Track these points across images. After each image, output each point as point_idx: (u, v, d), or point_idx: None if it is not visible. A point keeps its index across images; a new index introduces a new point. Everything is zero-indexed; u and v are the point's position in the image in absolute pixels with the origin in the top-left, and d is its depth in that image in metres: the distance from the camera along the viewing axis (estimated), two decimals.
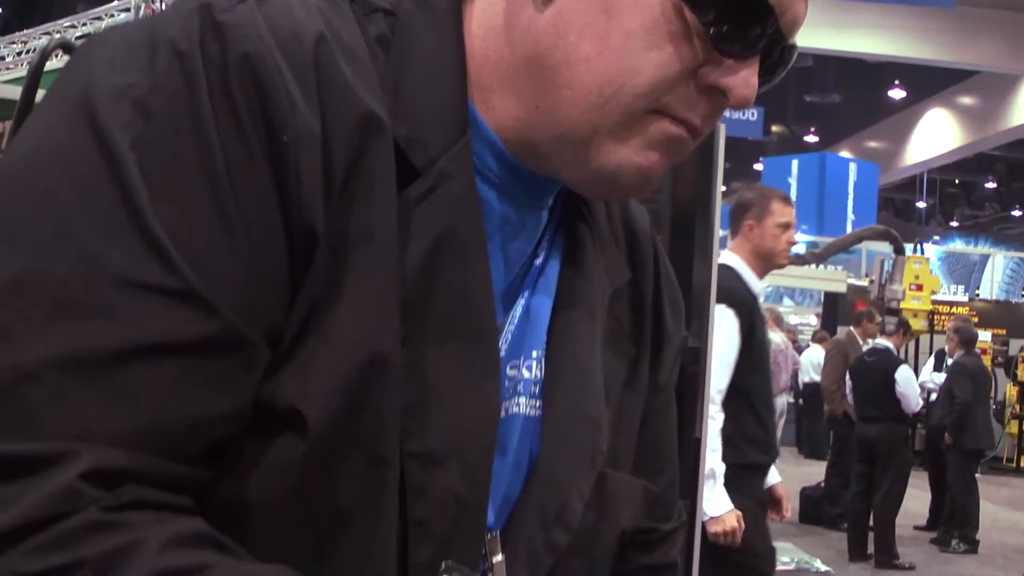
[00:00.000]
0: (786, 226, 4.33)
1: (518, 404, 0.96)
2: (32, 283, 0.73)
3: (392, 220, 0.85)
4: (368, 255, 0.83)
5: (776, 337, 11.71)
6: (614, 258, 1.07)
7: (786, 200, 4.42)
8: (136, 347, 0.74)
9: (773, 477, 4.42)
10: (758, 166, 24.28)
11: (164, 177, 0.76)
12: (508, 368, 0.96)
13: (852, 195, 20.21)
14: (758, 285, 4.35)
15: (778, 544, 5.43)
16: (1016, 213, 30.26)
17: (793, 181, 20.27)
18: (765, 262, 4.35)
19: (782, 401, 12.00)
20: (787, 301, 20.68)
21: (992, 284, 24.41)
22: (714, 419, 4.12)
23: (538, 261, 1.00)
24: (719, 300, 4.06)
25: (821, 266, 14.66)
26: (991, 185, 29.28)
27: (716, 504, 4.01)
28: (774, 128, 25.34)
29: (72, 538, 0.69)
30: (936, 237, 27.83)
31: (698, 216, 2.82)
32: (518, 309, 0.98)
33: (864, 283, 15.42)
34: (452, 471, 0.87)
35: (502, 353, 0.94)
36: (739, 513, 4.02)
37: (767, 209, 4.31)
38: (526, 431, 0.96)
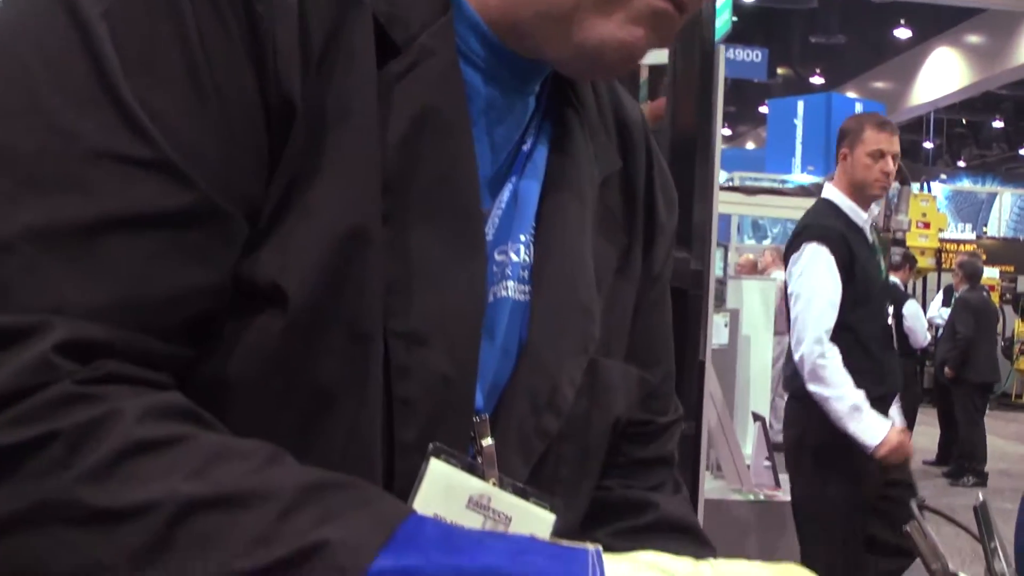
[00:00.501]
0: (880, 154, 4.17)
1: (506, 288, 0.95)
2: (4, 156, 0.72)
3: (372, 95, 0.84)
4: (347, 130, 0.82)
5: (782, 275, 11.68)
6: (604, 146, 1.06)
7: (882, 126, 4.24)
8: (111, 219, 0.73)
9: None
10: (763, 109, 24.14)
11: (137, 48, 0.75)
12: (496, 253, 0.95)
13: None
14: (861, 216, 4.22)
15: (785, 475, 5.43)
16: (1023, 152, 30.09)
17: (799, 123, 20.14)
18: (861, 193, 4.22)
19: (788, 341, 11.99)
20: None
21: (1000, 222, 24.33)
22: (825, 357, 4.09)
23: (525, 147, 0.99)
24: (810, 238, 4.16)
25: None
26: (998, 124, 29.08)
27: (872, 431, 4.03)
28: (779, 71, 25.16)
29: (46, 410, 0.69)
30: (943, 176, 27.69)
31: (699, 142, 2.80)
32: (505, 194, 0.97)
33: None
34: (438, 351, 0.86)
35: (489, 238, 0.93)
36: (899, 427, 4.07)
37: (860, 137, 4.19)
38: (515, 316, 0.95)
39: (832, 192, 4.28)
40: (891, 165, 4.20)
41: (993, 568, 1.33)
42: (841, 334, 4.14)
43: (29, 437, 0.68)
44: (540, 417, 0.95)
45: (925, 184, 16.72)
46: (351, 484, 0.72)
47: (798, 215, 4.76)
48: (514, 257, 0.95)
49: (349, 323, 0.82)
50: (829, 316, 4.12)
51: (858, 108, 20.72)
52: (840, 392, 4.12)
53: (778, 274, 11.65)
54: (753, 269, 12.18)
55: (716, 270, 8.99)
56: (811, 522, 4.36)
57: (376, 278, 0.83)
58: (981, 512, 1.38)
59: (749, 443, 6.48)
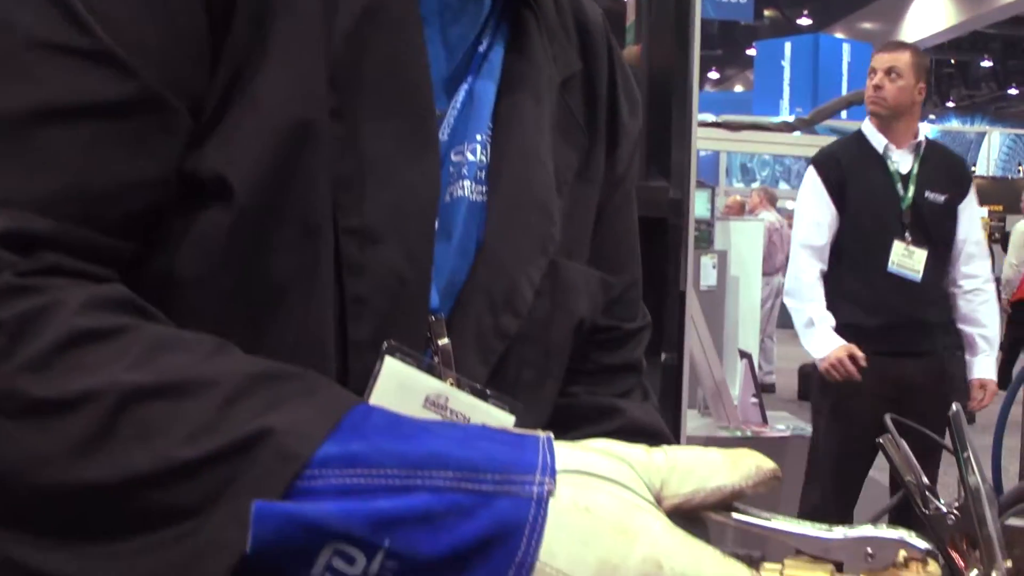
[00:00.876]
0: (872, 72, 4.32)
1: (463, 188, 0.93)
2: None
3: None
4: (292, 21, 0.81)
5: (771, 216, 11.69)
6: (563, 48, 1.04)
7: (882, 48, 4.47)
8: (51, 109, 0.72)
9: (979, 370, 4.31)
10: (751, 51, 24.02)
11: None
12: (452, 154, 0.93)
13: (846, 76, 20.01)
14: (879, 140, 4.27)
15: (773, 414, 5.45)
16: (1013, 91, 30.01)
17: (787, 64, 20.07)
18: (872, 116, 4.34)
19: (778, 281, 12.00)
20: (783, 185, 20.60)
21: (989, 162, 24.32)
22: (801, 271, 4.25)
23: (481, 48, 0.97)
24: (810, 162, 4.38)
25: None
26: (987, 64, 28.99)
27: (818, 345, 4.14)
28: (766, 12, 25.01)
29: None
30: (932, 116, 27.63)
31: (676, 66, 2.77)
32: (461, 95, 0.95)
33: None
34: (391, 248, 0.85)
35: (444, 138, 0.92)
36: (851, 348, 4.07)
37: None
38: (472, 215, 0.93)
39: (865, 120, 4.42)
40: (877, 78, 4.27)
41: (967, 480, 1.32)
42: (835, 257, 4.24)
43: None
44: (498, 317, 0.93)
45: None
46: (298, 374, 0.71)
47: (783, 151, 4.82)
48: (470, 157, 0.94)
49: (298, 217, 0.80)
50: (812, 235, 4.24)
51: (846, 49, 20.64)
52: (801, 306, 4.26)
53: (766, 215, 11.67)
54: (741, 211, 12.16)
55: (703, 211, 9.04)
56: (809, 458, 4.44)
57: (325, 173, 0.82)
58: (954, 422, 1.37)
59: (737, 384, 6.50)
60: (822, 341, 4.16)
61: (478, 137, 0.94)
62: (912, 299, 4.16)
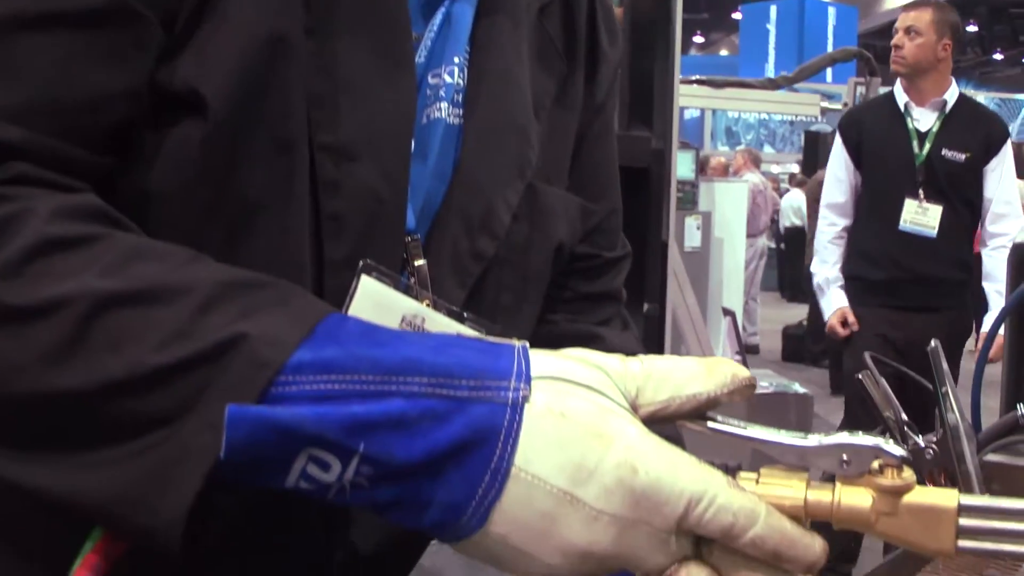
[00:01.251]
0: (894, 31, 4.39)
1: (440, 110, 0.92)
2: None
3: None
4: None
5: (755, 178, 11.69)
6: None
7: (906, 6, 4.50)
8: (23, 18, 0.72)
9: (987, 323, 4.35)
10: (736, 15, 23.95)
11: None
12: (429, 76, 0.92)
13: (831, 40, 19.98)
14: (901, 97, 4.36)
15: (756, 371, 5.48)
16: (998, 56, 30.00)
17: (772, 27, 20.04)
18: (895, 74, 4.42)
19: (762, 243, 12.04)
20: (767, 148, 20.59)
21: None
22: (821, 231, 4.44)
23: None
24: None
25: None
26: (972, 28, 28.96)
27: (826, 308, 4.41)
28: None
29: None
30: None
31: (658, 23, 2.76)
32: (438, 17, 0.94)
33: (838, 106, 15.32)
34: (367, 166, 0.84)
35: (421, 60, 0.91)
36: (845, 312, 4.30)
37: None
38: (448, 138, 0.93)
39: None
40: (897, 37, 4.34)
41: (945, 416, 1.33)
42: (857, 214, 4.39)
43: None
44: (475, 239, 0.93)
45: None
46: (272, 283, 0.70)
47: (761, 106, 4.97)
48: (447, 79, 0.93)
49: (272, 133, 0.80)
50: (834, 192, 4.43)
51: (831, 13, 20.62)
52: (816, 268, 4.50)
53: (750, 176, 11.67)
54: (725, 172, 12.16)
55: (687, 172, 9.04)
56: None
57: (299, 89, 0.81)
58: (933, 357, 1.37)
59: (721, 341, 6.53)
60: (828, 304, 4.39)
61: (455, 60, 0.93)
62: (924, 256, 4.24)
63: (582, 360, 0.69)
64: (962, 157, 4.28)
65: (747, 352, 5.54)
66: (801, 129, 17.61)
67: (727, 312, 5.90)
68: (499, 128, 0.95)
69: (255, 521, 0.84)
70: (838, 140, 4.47)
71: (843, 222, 4.41)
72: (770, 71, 18.34)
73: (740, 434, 0.69)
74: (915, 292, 4.27)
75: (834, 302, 4.37)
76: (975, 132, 4.35)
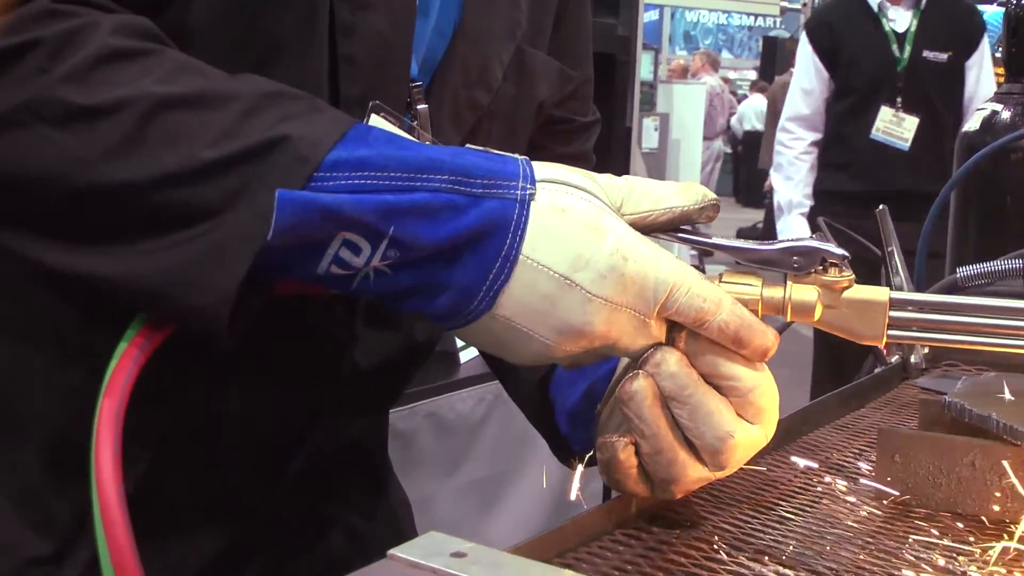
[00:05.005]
0: None
1: None
2: None
3: None
4: None
5: (712, 80, 11.78)
6: None
7: None
8: None
9: None
10: None
11: None
12: None
13: None
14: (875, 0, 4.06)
15: (711, 267, 5.62)
16: None
17: None
18: None
19: (717, 146, 12.15)
20: (725, 54, 20.62)
21: None
22: (783, 145, 4.14)
23: None
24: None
25: None
26: None
27: (786, 231, 4.11)
28: None
29: (28, 22, 0.77)
30: None
31: None
32: None
33: (798, 6, 15.27)
34: (378, 15, 0.94)
35: None
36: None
37: None
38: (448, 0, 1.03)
39: None
40: None
41: (891, 277, 1.46)
42: (828, 126, 4.15)
43: (14, 44, 0.76)
44: (472, 91, 1.04)
45: None
46: (307, 96, 0.81)
47: (721, 4, 4.77)
48: None
49: None
50: (799, 104, 4.16)
51: None
52: (779, 186, 4.25)
53: (708, 79, 11.74)
54: (684, 74, 12.22)
55: (646, 74, 9.08)
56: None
57: None
58: (880, 219, 1.50)
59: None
60: (785, 230, 4.15)
61: None
62: (898, 167, 4.00)
63: (577, 170, 0.81)
64: (944, 57, 4.04)
65: (703, 255, 5.65)
66: (759, 35, 17.63)
67: None
68: None
69: (278, 337, 0.95)
70: (806, 46, 4.15)
71: (810, 136, 4.16)
72: None
73: (708, 241, 0.81)
74: (890, 205, 4.18)
75: (793, 230, 4.12)
76: (953, 27, 4.10)
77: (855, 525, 0.90)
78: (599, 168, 1.37)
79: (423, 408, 2.44)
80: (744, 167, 15.74)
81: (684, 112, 9.72)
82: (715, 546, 0.83)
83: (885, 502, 0.94)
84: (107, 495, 0.72)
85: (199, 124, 0.77)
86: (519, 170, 0.78)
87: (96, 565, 0.98)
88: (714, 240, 0.81)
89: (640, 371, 0.79)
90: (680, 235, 0.82)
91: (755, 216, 11.42)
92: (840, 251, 0.78)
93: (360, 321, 1.01)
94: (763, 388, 0.80)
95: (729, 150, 14.82)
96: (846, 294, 0.79)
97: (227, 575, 1.02)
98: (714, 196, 0.82)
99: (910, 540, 0.86)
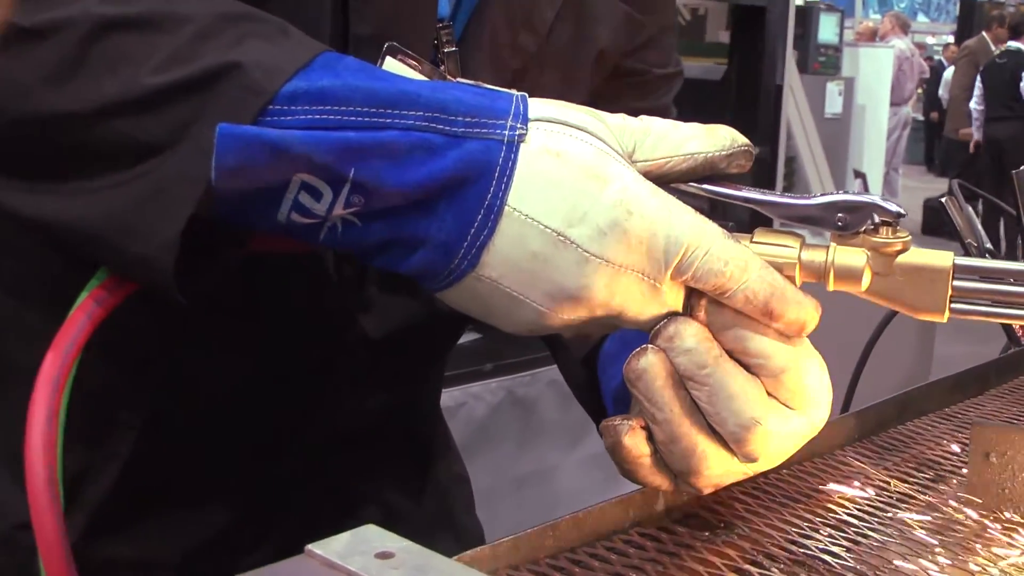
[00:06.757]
0: None
1: None
2: None
3: None
4: None
5: (901, 44, 11.26)
6: None
7: None
8: None
9: None
10: None
11: None
12: None
13: None
14: None
15: None
16: None
17: None
18: None
19: (906, 112, 11.64)
20: (921, 17, 19.75)
21: None
22: None
23: None
24: None
25: None
26: None
27: None
28: None
29: None
30: None
31: None
32: None
33: None
34: None
35: None
36: None
37: None
38: None
39: None
40: None
41: None
42: None
43: None
44: (516, 33, 0.92)
45: None
46: (276, 21, 0.70)
47: None
48: None
49: None
50: None
51: None
52: None
53: (897, 42, 11.24)
54: (872, 37, 11.73)
55: (831, 36, 8.75)
56: None
57: None
58: (1018, 180, 1.33)
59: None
60: None
61: None
62: None
63: (583, 108, 0.69)
64: None
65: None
66: None
67: (858, 174, 5.74)
68: None
69: (276, 301, 0.86)
70: None
71: None
72: None
73: (736, 194, 0.68)
74: None
75: None
76: None
77: (930, 538, 0.76)
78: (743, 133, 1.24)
79: (545, 375, 2.34)
80: (941, 136, 15.09)
81: (870, 77, 9.35)
82: (747, 554, 0.71)
83: (975, 512, 0.79)
84: (33, 453, 0.68)
85: (145, 48, 0.67)
86: (510, 107, 0.66)
87: (94, 531, 0.93)
88: (744, 193, 0.68)
89: (650, 345, 0.66)
90: (704, 187, 0.69)
91: (945, 185, 10.90)
92: (895, 207, 0.64)
93: (373, 285, 0.91)
94: (801, 367, 0.67)
95: (921, 117, 14.20)
96: (900, 259, 0.65)
97: (237, 546, 0.94)
98: (746, 141, 0.69)
99: (1000, 561, 0.72)
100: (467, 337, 2.35)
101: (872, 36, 11.77)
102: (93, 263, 0.72)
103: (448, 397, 2.40)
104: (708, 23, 6.27)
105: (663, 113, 1.12)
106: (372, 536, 0.57)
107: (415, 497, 1.07)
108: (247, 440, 0.92)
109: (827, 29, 8.54)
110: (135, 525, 0.93)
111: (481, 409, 2.39)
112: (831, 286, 0.66)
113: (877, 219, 0.65)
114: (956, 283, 0.64)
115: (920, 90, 13.66)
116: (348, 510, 0.99)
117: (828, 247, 0.66)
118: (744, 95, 1.35)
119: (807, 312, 0.66)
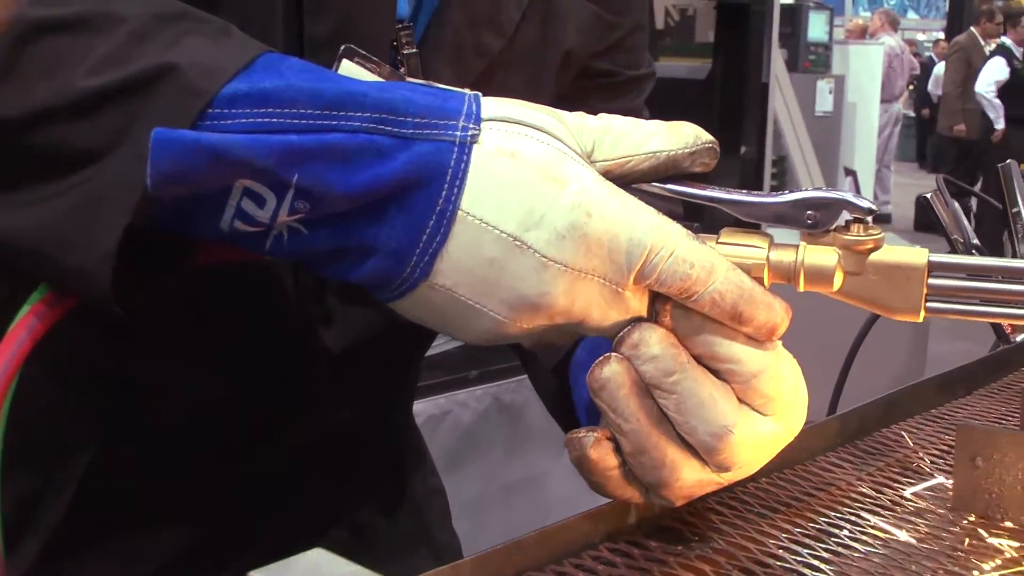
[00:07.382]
0: None
1: None
2: None
3: None
4: None
5: (891, 40, 11.25)
6: None
7: None
8: None
9: None
10: None
11: None
12: None
13: None
14: None
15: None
16: None
17: None
18: None
19: (897, 109, 11.63)
20: (911, 14, 19.76)
21: None
22: None
23: None
24: None
25: None
26: None
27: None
28: None
29: None
30: None
31: None
32: None
33: None
34: None
35: None
36: None
37: None
38: None
39: None
40: None
41: (1014, 230, 1.26)
42: None
43: None
44: (479, 33, 0.89)
45: None
46: (216, 21, 0.67)
47: None
48: None
49: None
50: None
51: None
52: None
53: (887, 39, 11.23)
54: (862, 35, 11.72)
55: (820, 34, 8.74)
56: None
57: None
58: (1003, 174, 1.30)
59: None
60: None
61: None
62: None
63: (539, 107, 0.66)
64: None
65: (879, 221, 5.36)
66: None
67: (848, 172, 5.72)
68: None
69: (232, 314, 0.83)
70: None
71: None
72: None
73: (701, 194, 0.65)
74: None
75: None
76: None
77: (917, 545, 0.73)
78: (730, 133, 1.21)
79: None
80: (932, 133, 15.08)
81: (860, 74, 9.34)
82: (722, 569, 0.68)
83: (961, 519, 0.76)
84: None
85: (80, 49, 0.64)
86: (462, 107, 0.63)
87: (51, 555, 0.90)
88: (708, 192, 0.65)
89: (614, 354, 0.63)
90: (667, 187, 0.66)
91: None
92: (866, 203, 0.61)
93: (333, 296, 0.87)
94: (772, 371, 0.64)
95: (912, 113, 14.18)
96: (873, 257, 0.62)
97: (199, 570, 0.91)
98: (710, 138, 0.66)
99: (988, 567, 0.70)
100: (451, 344, 2.32)
101: (862, 33, 11.76)
102: (33, 277, 0.69)
103: (433, 405, 2.37)
104: (697, 23, 6.27)
105: (635, 115, 1.09)
106: (321, 561, 0.54)
107: (389, 514, 1.04)
108: (209, 457, 0.89)
109: (817, 27, 8.53)
110: (95, 547, 0.90)
111: (467, 417, 2.36)
112: (802, 287, 0.63)
113: (849, 216, 0.62)
114: (932, 281, 0.61)
115: (911, 87, 13.63)
116: (318, 530, 0.96)
117: (798, 246, 0.63)
118: (729, 93, 1.31)
119: (777, 315, 0.63)
